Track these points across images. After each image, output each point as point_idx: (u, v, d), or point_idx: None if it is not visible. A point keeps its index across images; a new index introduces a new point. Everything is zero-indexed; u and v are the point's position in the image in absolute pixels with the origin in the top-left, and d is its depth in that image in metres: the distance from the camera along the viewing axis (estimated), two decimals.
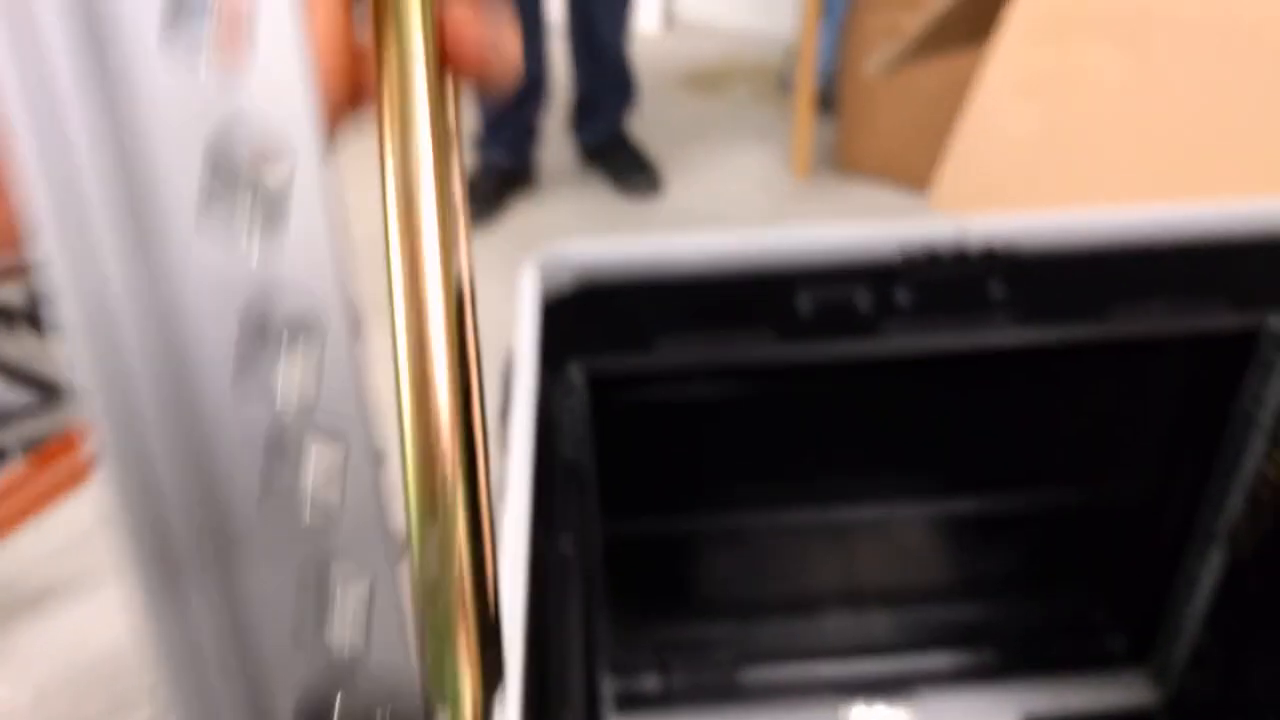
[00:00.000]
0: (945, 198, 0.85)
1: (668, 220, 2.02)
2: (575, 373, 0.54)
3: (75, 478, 1.07)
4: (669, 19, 3.38)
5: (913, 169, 2.05)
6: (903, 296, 0.52)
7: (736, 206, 2.06)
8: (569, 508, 0.52)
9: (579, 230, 2.01)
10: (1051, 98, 0.80)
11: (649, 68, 2.79)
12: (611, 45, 2.07)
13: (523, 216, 2.07)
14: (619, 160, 2.14)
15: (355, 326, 0.17)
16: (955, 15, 1.01)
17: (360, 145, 0.25)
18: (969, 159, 0.84)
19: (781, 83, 2.68)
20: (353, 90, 0.22)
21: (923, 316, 0.53)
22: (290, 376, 0.17)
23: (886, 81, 1.91)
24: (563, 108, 2.18)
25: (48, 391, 1.23)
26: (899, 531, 0.68)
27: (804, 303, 0.52)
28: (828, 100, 2.30)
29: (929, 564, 0.71)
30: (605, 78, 2.10)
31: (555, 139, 2.20)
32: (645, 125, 2.30)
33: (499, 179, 2.07)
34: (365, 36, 0.20)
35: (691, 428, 0.60)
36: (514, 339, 0.47)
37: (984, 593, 0.73)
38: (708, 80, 2.85)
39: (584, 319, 0.52)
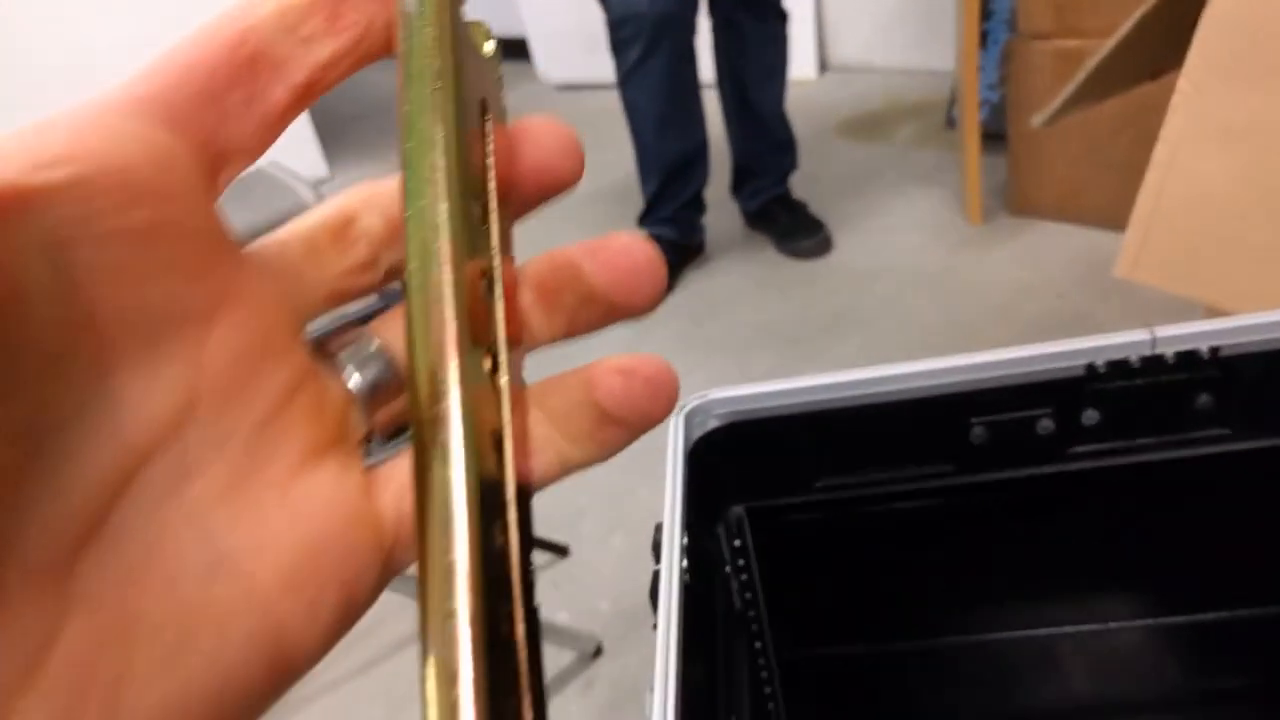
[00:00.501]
0: (1135, 265, 0.77)
1: (840, 281, 1.96)
2: (735, 519, 0.51)
3: None
4: (823, 63, 3.34)
5: (1094, 205, 1.92)
6: (1090, 416, 0.47)
7: (910, 259, 1.99)
8: (738, 667, 0.49)
9: (750, 298, 1.98)
10: (1255, 146, 0.72)
11: (806, 116, 2.76)
12: (768, 109, 2.05)
13: (693, 287, 2.07)
14: (784, 224, 2.10)
15: None
16: (1120, 56, 0.93)
17: None
18: (1160, 219, 0.77)
19: (949, 120, 2.58)
20: None
21: (1116, 435, 0.47)
22: None
23: None
24: (723, 171, 2.17)
25: None
26: (1114, 646, 0.62)
27: (978, 431, 0.47)
28: (994, 133, 2.19)
29: (1153, 677, 0.64)
30: (763, 142, 2.08)
31: (718, 203, 2.19)
32: (807, 177, 2.26)
33: (669, 253, 2.07)
34: None
35: (866, 556, 0.56)
36: (664, 496, 0.44)
37: (1217, 704, 0.65)
38: (869, 124, 2.79)
39: (741, 462, 0.50)
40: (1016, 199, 2.05)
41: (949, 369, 0.47)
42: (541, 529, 1.27)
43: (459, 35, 0.18)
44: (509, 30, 4.08)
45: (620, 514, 1.39)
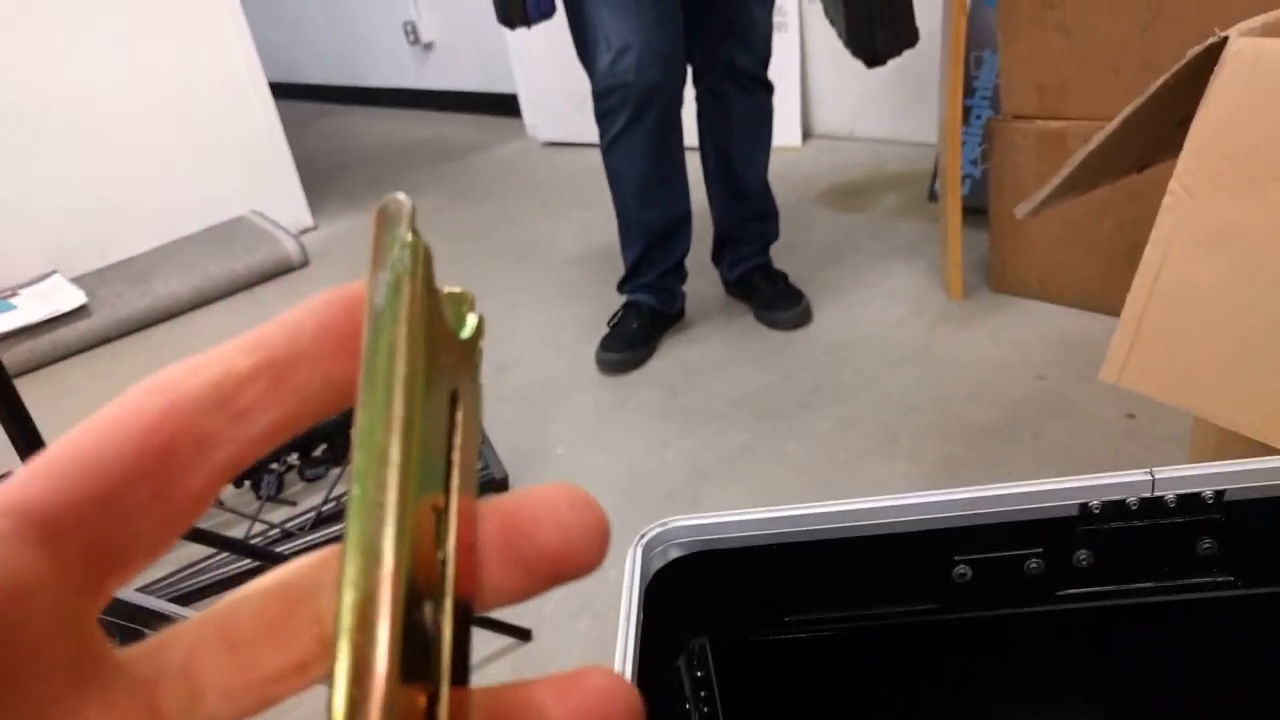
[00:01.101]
0: (1122, 370, 0.75)
1: (819, 353, 1.94)
2: (699, 650, 0.47)
3: None
4: (807, 130, 3.36)
5: (1075, 286, 1.91)
6: (1083, 557, 0.44)
7: (890, 332, 1.97)
8: None
9: (728, 368, 1.95)
10: (1246, 252, 0.70)
11: (789, 184, 2.76)
12: (751, 179, 2.04)
13: (672, 354, 2.04)
14: (764, 294, 2.08)
15: None
16: (1107, 149, 0.91)
17: None
18: (1149, 324, 0.74)
19: (932, 193, 2.59)
20: None
21: (1110, 578, 0.44)
22: None
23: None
24: (705, 237, 2.15)
25: None
26: None
27: (962, 569, 0.44)
28: (976, 208, 2.18)
29: None
30: (746, 211, 2.07)
31: (699, 269, 2.17)
32: (789, 246, 2.25)
33: (648, 319, 2.05)
34: None
35: (839, 691, 0.52)
36: (618, 633, 0.40)
37: None
38: (851, 193, 2.79)
39: (703, 594, 0.46)
40: (998, 276, 2.04)
41: (932, 504, 0.43)
42: (503, 613, 1.22)
43: (432, 327, 0.17)
44: (501, 88, 4.10)
45: (587, 597, 1.34)
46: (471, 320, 0.18)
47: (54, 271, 2.82)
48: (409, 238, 0.17)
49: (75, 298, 2.67)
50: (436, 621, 0.16)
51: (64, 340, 2.61)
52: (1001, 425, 1.61)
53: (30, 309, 2.61)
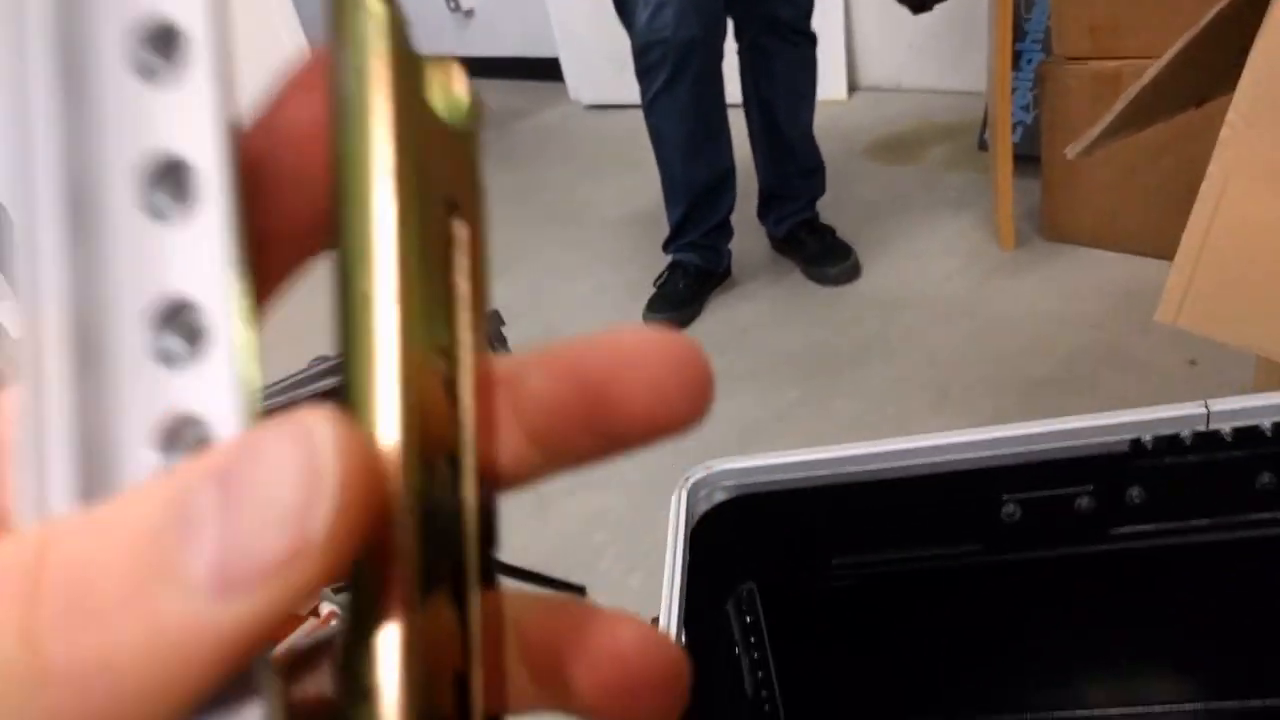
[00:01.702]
0: (1179, 310, 0.73)
1: (868, 309, 1.92)
2: (746, 595, 0.47)
3: None
4: (852, 83, 3.30)
5: (1131, 231, 1.86)
6: (1135, 495, 0.43)
7: (940, 286, 1.94)
8: None
9: (776, 325, 1.94)
10: None
11: (835, 138, 2.72)
12: (795, 134, 2.01)
13: (719, 314, 2.03)
14: (811, 248, 2.06)
15: None
16: (1161, 84, 0.88)
17: None
18: (1205, 263, 0.72)
19: (981, 143, 2.53)
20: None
21: (1164, 516, 0.43)
22: None
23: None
24: (750, 194, 2.13)
25: None
26: None
27: (1010, 509, 0.43)
28: (1027, 156, 2.12)
29: None
30: (791, 167, 2.04)
31: (745, 227, 2.15)
32: (835, 201, 2.22)
33: (695, 279, 2.04)
34: None
35: (888, 635, 0.52)
36: (664, 578, 0.41)
37: None
38: (899, 146, 2.74)
39: (750, 538, 0.46)
40: (1051, 224, 2.00)
41: (979, 442, 0.42)
42: (557, 568, 1.24)
43: (414, 117, 0.13)
44: (542, 51, 4.08)
45: (639, 552, 1.35)
46: (463, 100, 0.15)
47: None
48: (376, 7, 0.13)
49: None
50: (456, 507, 0.14)
51: None
52: (1057, 378, 1.58)
53: None
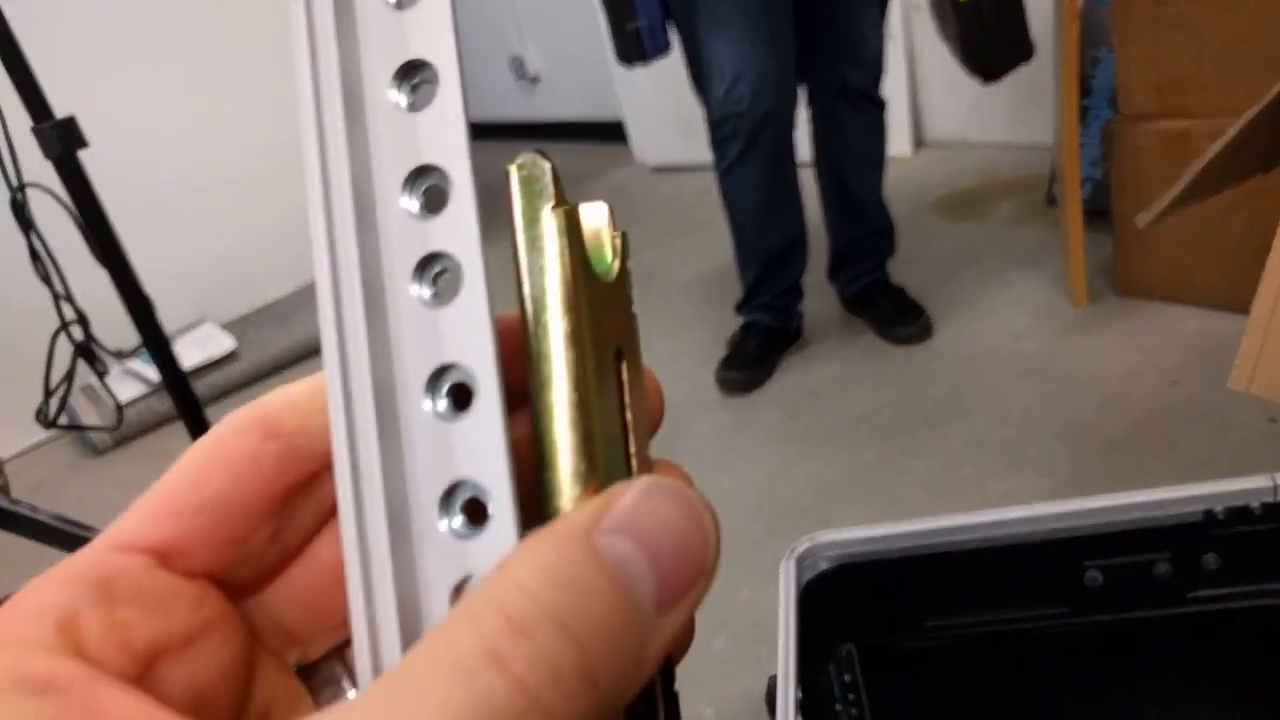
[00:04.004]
0: (1252, 377, 0.75)
1: (942, 368, 1.94)
2: (846, 656, 0.51)
3: None
4: (918, 139, 3.34)
5: (1206, 286, 1.86)
6: (1210, 561, 0.46)
7: (1014, 344, 1.95)
8: None
9: (849, 386, 1.97)
10: None
11: (902, 195, 2.75)
12: (866, 197, 2.05)
13: (791, 374, 2.07)
14: (883, 309, 2.09)
15: None
16: (1230, 152, 0.92)
17: None
18: (1278, 328, 0.75)
19: (1050, 198, 2.55)
20: None
21: (1238, 580, 0.46)
22: None
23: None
24: (821, 254, 2.18)
25: None
26: None
27: (1093, 574, 0.47)
28: (1097, 210, 2.13)
29: None
30: (861, 228, 2.09)
31: (816, 288, 2.20)
32: (905, 259, 2.25)
33: (767, 339, 2.08)
34: None
35: (980, 692, 0.55)
36: (778, 642, 0.45)
37: None
38: (967, 202, 2.77)
39: (851, 602, 0.50)
40: (1124, 280, 2.01)
41: (1062, 513, 0.46)
42: None
43: (592, 297, 0.17)
44: (607, 114, 4.20)
45: (723, 616, 1.39)
46: (614, 259, 0.18)
47: (204, 319, 3.01)
48: (550, 215, 0.16)
49: (226, 344, 2.86)
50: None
51: (216, 383, 2.78)
52: (1134, 436, 1.59)
53: (187, 356, 2.81)
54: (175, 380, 1.19)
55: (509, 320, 0.17)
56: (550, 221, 0.16)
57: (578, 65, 4.33)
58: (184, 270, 2.94)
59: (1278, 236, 0.81)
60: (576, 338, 0.16)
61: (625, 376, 0.18)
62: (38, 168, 1.08)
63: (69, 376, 1.06)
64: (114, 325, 1.29)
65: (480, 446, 0.15)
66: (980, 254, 2.38)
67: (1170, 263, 1.91)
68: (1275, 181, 1.15)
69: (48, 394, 1.04)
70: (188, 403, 1.23)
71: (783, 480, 1.71)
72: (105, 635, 0.15)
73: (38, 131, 1.03)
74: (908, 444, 1.73)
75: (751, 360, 2.05)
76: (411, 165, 0.16)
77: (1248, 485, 0.45)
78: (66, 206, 1.06)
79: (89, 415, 2.49)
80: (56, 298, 1.04)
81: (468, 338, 0.16)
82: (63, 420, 1.16)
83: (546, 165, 0.17)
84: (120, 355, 1.19)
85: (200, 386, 2.75)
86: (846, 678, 0.53)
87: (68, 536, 1.09)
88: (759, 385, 2.04)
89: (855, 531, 0.48)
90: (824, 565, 0.48)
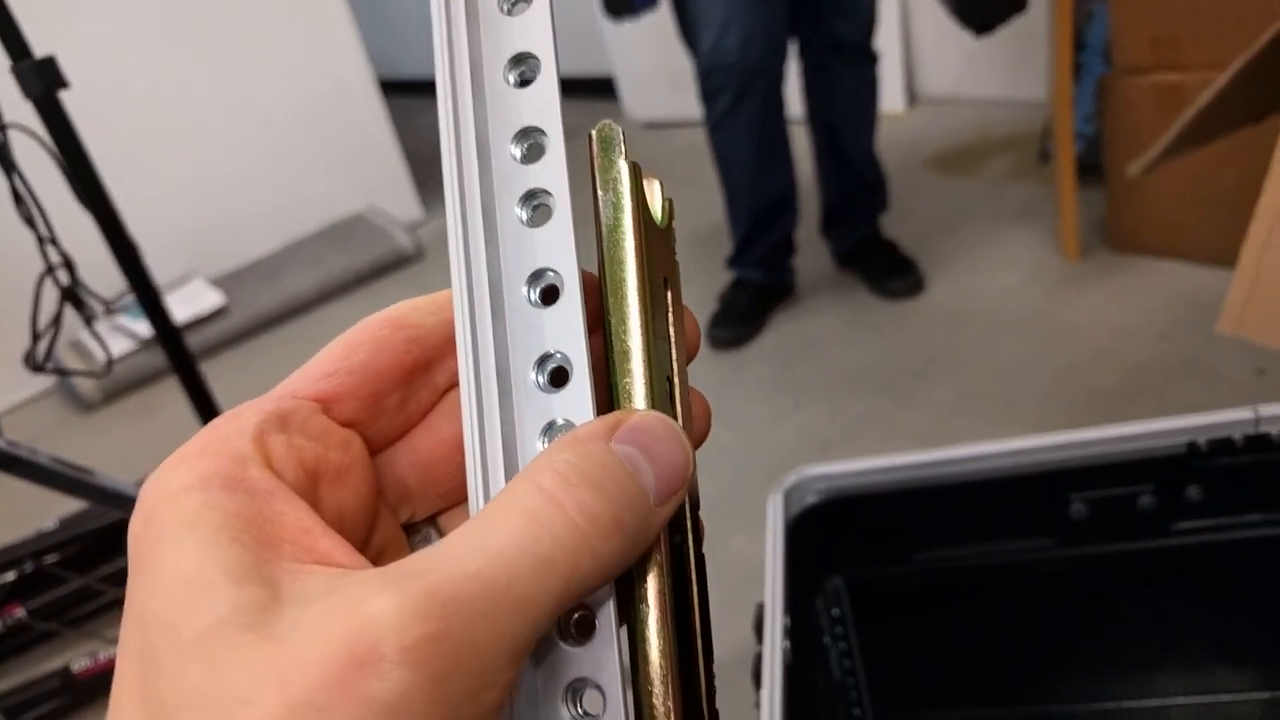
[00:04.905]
0: (1239, 322, 0.76)
1: (933, 323, 1.95)
2: (834, 590, 0.52)
3: None
4: (912, 95, 3.32)
5: (1198, 241, 1.86)
6: (1193, 493, 0.47)
7: (1005, 299, 1.96)
8: None
9: (841, 340, 1.97)
10: None
11: (895, 151, 2.74)
12: (858, 151, 2.05)
13: (783, 329, 2.07)
14: (875, 264, 2.09)
15: None
16: (1221, 102, 0.92)
17: None
18: (1266, 273, 0.75)
19: (1043, 154, 2.54)
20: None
21: (1220, 512, 0.47)
22: None
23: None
24: (813, 210, 2.17)
25: None
26: (1228, 718, 0.60)
27: (1079, 507, 0.47)
28: (1090, 166, 2.13)
29: None
30: (854, 183, 2.08)
31: (808, 244, 2.19)
32: (898, 215, 2.25)
33: (758, 295, 2.08)
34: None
35: (966, 625, 0.56)
36: (765, 573, 0.46)
37: None
38: (959, 158, 2.76)
39: (839, 535, 0.51)
40: (1116, 235, 2.01)
41: (1048, 446, 0.47)
42: None
43: (648, 232, 0.22)
44: (596, 69, 4.16)
45: (716, 564, 1.39)
46: (664, 216, 0.23)
47: (193, 274, 3.00)
48: (624, 163, 0.22)
49: (215, 300, 2.85)
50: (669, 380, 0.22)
51: (206, 339, 2.77)
52: (1125, 389, 1.60)
53: (176, 312, 2.79)
54: (166, 330, 1.19)
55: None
56: (623, 168, 0.22)
57: (566, 20, 4.23)
58: (171, 225, 2.91)
59: (1266, 182, 0.82)
60: (640, 248, 0.21)
61: (670, 303, 0.23)
62: (19, 109, 1.07)
63: (56, 321, 1.05)
64: (101, 275, 1.29)
65: (564, 328, 0.21)
66: (973, 210, 2.38)
67: (1162, 218, 1.91)
68: (1266, 135, 1.14)
69: (35, 339, 1.04)
70: (179, 355, 1.22)
71: (774, 432, 1.72)
72: (286, 453, 0.20)
73: (17, 71, 1.02)
74: (899, 397, 1.74)
75: (743, 316, 2.06)
76: (516, 128, 0.22)
77: (1230, 418, 0.46)
78: (49, 148, 1.05)
79: (77, 368, 2.48)
80: (41, 241, 1.04)
81: (557, 250, 0.21)
82: (51, 366, 1.16)
83: (619, 129, 0.22)
84: (109, 309, 1.19)
85: (190, 343, 2.75)
86: (834, 611, 0.54)
87: (67, 480, 1.09)
88: (750, 340, 2.04)
89: (843, 465, 0.49)
90: (812, 499, 0.49)
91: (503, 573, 0.17)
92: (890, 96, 3.14)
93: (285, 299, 2.92)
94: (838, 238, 2.16)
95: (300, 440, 0.20)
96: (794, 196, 2.05)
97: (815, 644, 0.53)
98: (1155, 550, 0.49)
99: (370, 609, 0.16)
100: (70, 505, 1.67)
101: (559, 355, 0.21)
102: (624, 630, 0.20)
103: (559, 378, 0.21)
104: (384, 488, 0.23)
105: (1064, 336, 1.79)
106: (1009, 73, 3.05)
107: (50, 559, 1.64)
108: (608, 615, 0.20)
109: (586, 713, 0.19)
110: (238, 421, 0.20)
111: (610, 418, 0.20)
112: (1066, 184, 1.96)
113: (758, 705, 0.41)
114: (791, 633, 0.45)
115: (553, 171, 0.22)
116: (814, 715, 0.49)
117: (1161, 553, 0.49)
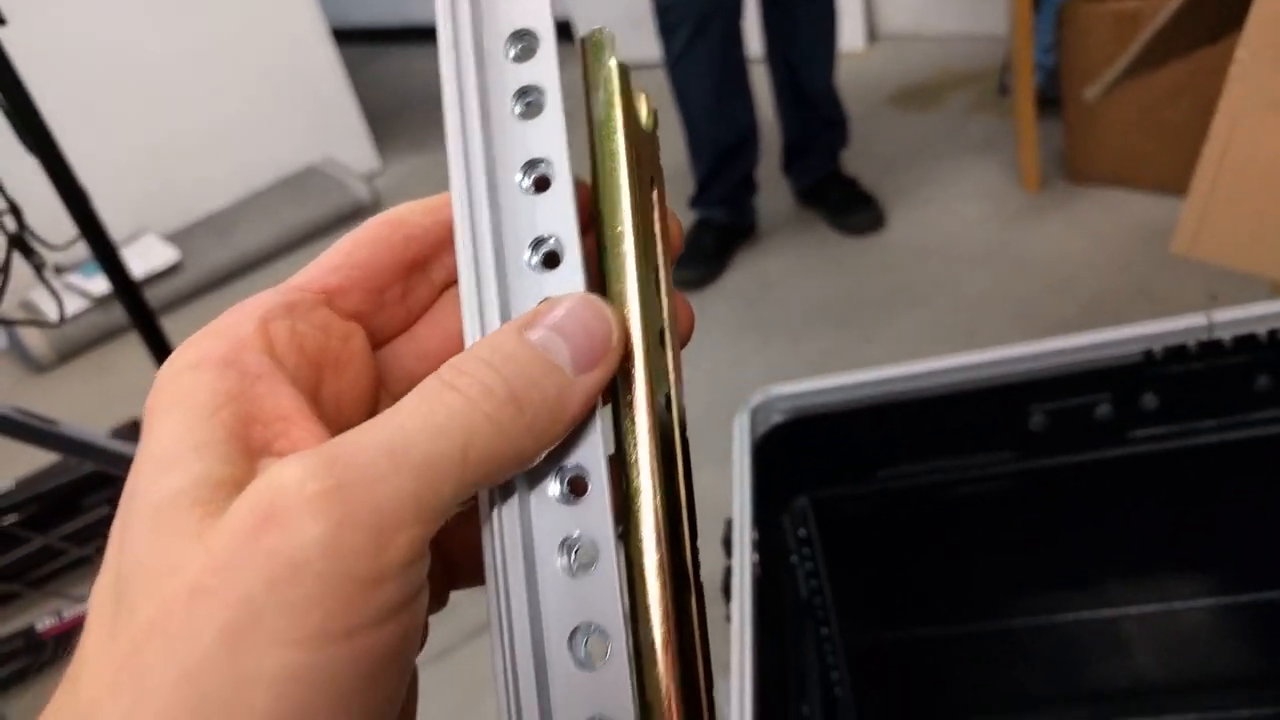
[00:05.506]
0: (1193, 241, 0.77)
1: (894, 257, 1.95)
2: (800, 510, 0.53)
3: None
4: (872, 32, 3.30)
5: (1154, 171, 1.88)
6: (1149, 401, 0.47)
7: (966, 231, 1.97)
8: (807, 653, 0.51)
9: (803, 277, 1.98)
10: None
11: (856, 88, 2.73)
12: (817, 87, 2.03)
13: (747, 268, 2.07)
14: (836, 199, 2.09)
15: None
16: (1177, 22, 0.92)
17: None
18: (1219, 194, 0.76)
19: (1002, 87, 2.54)
20: None
21: (1175, 419, 0.48)
22: None
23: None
24: (774, 149, 2.16)
25: None
26: (1179, 625, 0.62)
27: (1038, 418, 0.48)
28: (1049, 98, 2.13)
29: (1218, 655, 0.64)
30: (814, 119, 2.07)
31: (769, 182, 2.19)
32: (858, 151, 2.24)
33: (721, 235, 2.08)
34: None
35: (930, 541, 0.57)
36: (732, 491, 0.46)
37: None
38: (920, 94, 2.75)
39: (804, 454, 0.51)
40: (1074, 166, 2.02)
41: (1006, 358, 0.47)
42: None
43: (634, 130, 0.23)
44: (555, 13, 4.08)
45: None
46: (649, 119, 0.24)
47: (145, 230, 2.94)
48: (614, 63, 0.23)
49: (170, 255, 2.80)
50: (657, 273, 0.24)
51: (160, 296, 2.72)
52: (1083, 317, 1.62)
53: (130, 268, 2.74)
54: (122, 281, 1.16)
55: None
56: (613, 67, 0.23)
57: None
58: (121, 180, 2.84)
59: (1220, 102, 0.82)
60: (630, 138, 0.23)
61: (655, 202, 0.24)
62: None
63: (4, 269, 1.03)
64: (52, 227, 1.26)
65: (556, 212, 0.22)
66: (933, 144, 2.38)
67: (1118, 147, 1.93)
68: (1221, 61, 1.15)
69: None
70: (138, 308, 1.20)
71: (739, 369, 1.73)
72: (288, 340, 0.21)
73: None
74: (862, 331, 1.75)
75: (706, 257, 2.05)
76: (509, 30, 0.24)
77: (1184, 324, 0.46)
78: None
79: (29, 329, 2.44)
80: None
81: (548, 141, 0.23)
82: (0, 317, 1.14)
83: (610, 34, 0.23)
84: (59, 270, 1.16)
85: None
86: (801, 532, 0.55)
87: (33, 431, 1.07)
88: (714, 280, 2.04)
89: (808, 384, 0.49)
90: (777, 419, 0.49)
91: (401, 440, 0.18)
92: (850, 34, 3.11)
93: (240, 253, 2.87)
94: (798, 175, 2.15)
95: (304, 329, 0.21)
96: (755, 134, 2.04)
97: (783, 563, 0.54)
98: (1112, 460, 0.50)
99: (280, 477, 0.17)
100: (25, 465, 1.65)
101: (552, 239, 0.22)
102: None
103: (551, 260, 0.22)
104: (391, 380, 0.24)
105: (1023, 268, 1.81)
106: (969, 7, 3.03)
107: (9, 519, 1.62)
108: (599, 475, 0.21)
109: (581, 565, 0.21)
110: (246, 308, 0.21)
111: (527, 313, 0.21)
112: (1026, 115, 1.96)
113: (728, 618, 0.41)
114: (760, 547, 0.45)
115: (544, 68, 0.23)
116: (782, 633, 0.50)
117: (1119, 462, 0.51)
